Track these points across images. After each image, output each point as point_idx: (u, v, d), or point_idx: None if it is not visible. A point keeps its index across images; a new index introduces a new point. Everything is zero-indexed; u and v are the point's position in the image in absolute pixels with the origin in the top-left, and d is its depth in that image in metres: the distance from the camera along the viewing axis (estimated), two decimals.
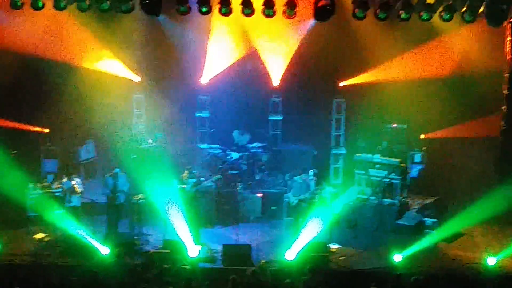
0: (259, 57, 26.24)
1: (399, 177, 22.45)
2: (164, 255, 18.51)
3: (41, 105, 24.75)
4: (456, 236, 21.03)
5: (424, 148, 25.31)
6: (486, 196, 20.65)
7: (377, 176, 22.65)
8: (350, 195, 22.54)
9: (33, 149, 24.72)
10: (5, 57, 22.97)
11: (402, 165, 22.90)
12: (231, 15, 21.56)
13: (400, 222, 21.61)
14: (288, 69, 25.66)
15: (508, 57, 22.00)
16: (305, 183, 21.85)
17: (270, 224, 22.64)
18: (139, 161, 23.42)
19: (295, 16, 21.82)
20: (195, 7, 20.98)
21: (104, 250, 19.10)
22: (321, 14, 21.24)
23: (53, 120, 25.15)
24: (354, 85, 25.54)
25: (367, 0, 20.66)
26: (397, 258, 18.95)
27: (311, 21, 23.60)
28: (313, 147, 26.10)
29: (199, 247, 19.43)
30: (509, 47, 21.88)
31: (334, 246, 20.28)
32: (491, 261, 18.87)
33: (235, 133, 25.67)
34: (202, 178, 22.16)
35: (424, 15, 21.19)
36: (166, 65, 26.04)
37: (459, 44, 23.35)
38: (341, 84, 25.85)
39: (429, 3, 20.78)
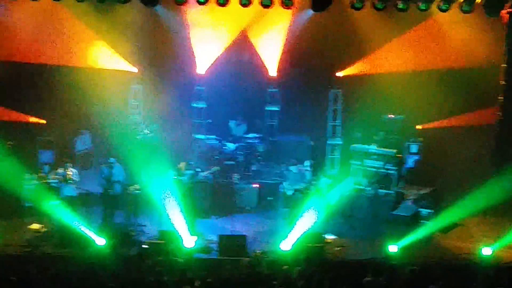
0: (256, 48, 26.28)
1: (395, 168, 22.51)
2: (160, 245, 18.51)
3: (38, 96, 24.75)
4: (451, 227, 21.10)
5: (420, 139, 25.27)
6: (482, 186, 20.68)
7: (373, 167, 22.72)
8: (346, 185, 22.55)
9: (29, 139, 24.70)
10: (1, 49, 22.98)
11: (398, 155, 22.94)
12: (228, 5, 21.56)
13: (396, 212, 21.59)
14: (285, 60, 25.65)
15: (504, 48, 22.00)
16: (301, 173, 21.87)
17: (266, 214, 22.69)
18: (135, 151, 23.37)
19: (292, 6, 21.83)
20: None
21: (100, 240, 19.11)
22: (318, 4, 21.31)
23: (50, 111, 25.12)
24: (351, 76, 25.55)
25: None
26: (392, 248, 19.00)
27: (309, 11, 23.58)
28: (309, 137, 26.05)
29: (195, 237, 19.45)
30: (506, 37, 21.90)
31: (329, 237, 20.31)
32: (487, 251, 18.91)
33: (232, 124, 25.65)
34: (199, 169, 22.19)
35: (422, 5, 21.24)
36: (163, 56, 25.99)
37: (457, 35, 23.31)
38: (338, 74, 25.82)
39: None
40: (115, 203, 21.05)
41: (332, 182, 22.96)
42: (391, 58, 24.54)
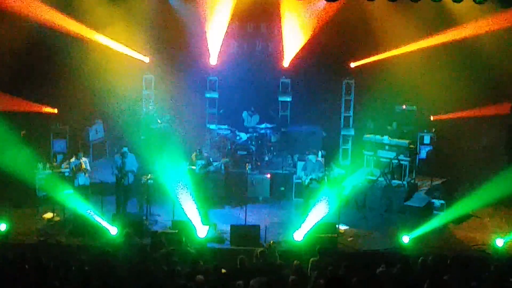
0: (269, 39, 26.29)
1: (408, 159, 22.47)
2: (173, 235, 18.52)
3: (51, 85, 24.78)
4: (464, 218, 21.04)
5: (433, 130, 25.21)
6: (495, 177, 20.64)
7: (386, 158, 22.69)
8: (358, 176, 22.60)
9: (42, 129, 24.78)
10: (13, 37, 23.05)
11: (411, 146, 22.89)
12: None
13: (409, 203, 21.63)
14: (297, 50, 25.58)
15: None
16: (318, 163, 21.86)
17: (279, 205, 22.69)
18: (148, 141, 23.45)
19: None
20: None
21: (113, 230, 19.17)
22: None
23: (63, 101, 25.13)
24: (363, 66, 25.48)
25: None
26: (405, 239, 18.97)
27: (322, 2, 23.55)
28: (322, 128, 26.06)
29: (208, 227, 19.46)
30: None
31: (342, 227, 20.29)
32: (500, 242, 18.88)
33: (245, 114, 25.64)
34: (212, 159, 22.21)
35: None
36: (176, 45, 26.04)
37: (472, 26, 23.21)
38: (352, 65, 25.77)
39: None
40: (128, 192, 21.06)
41: (344, 173, 23.00)
42: (404, 48, 24.43)
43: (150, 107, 26.02)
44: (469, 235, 20.16)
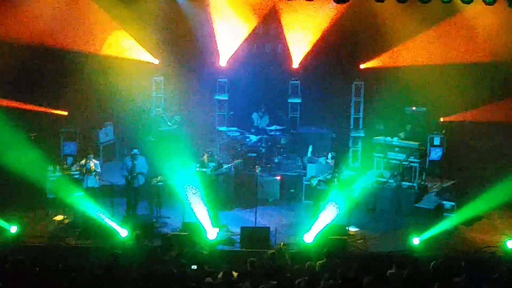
0: (278, 40, 26.31)
1: (418, 160, 22.41)
2: (183, 237, 18.54)
3: (60, 88, 24.80)
4: (475, 220, 20.93)
5: (443, 132, 25.16)
6: (506, 179, 20.56)
7: (396, 159, 22.62)
8: (368, 178, 22.54)
9: (52, 131, 24.78)
10: (23, 39, 23.07)
11: (421, 148, 22.84)
12: None
13: (419, 205, 21.57)
14: (307, 52, 25.58)
15: None
16: (328, 165, 21.84)
17: (289, 206, 22.65)
18: (157, 143, 23.46)
19: None
20: None
21: (123, 232, 19.19)
22: None
23: (73, 103, 25.16)
24: (373, 68, 25.46)
25: None
26: (415, 241, 18.93)
27: (331, 3, 23.52)
28: (331, 130, 26.05)
29: (218, 229, 19.47)
30: None
31: (352, 229, 20.26)
32: (510, 244, 18.80)
33: (255, 116, 25.62)
34: (222, 161, 22.20)
35: None
36: (185, 47, 26.06)
37: (482, 27, 23.17)
38: (362, 66, 25.74)
39: None
40: (138, 194, 21.08)
41: (354, 175, 22.96)
42: (414, 50, 24.43)
43: (159, 109, 26.02)
44: (479, 237, 20.08)
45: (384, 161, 22.93)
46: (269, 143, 24.43)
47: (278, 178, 23.16)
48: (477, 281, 14.71)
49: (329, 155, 22.87)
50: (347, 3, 22.94)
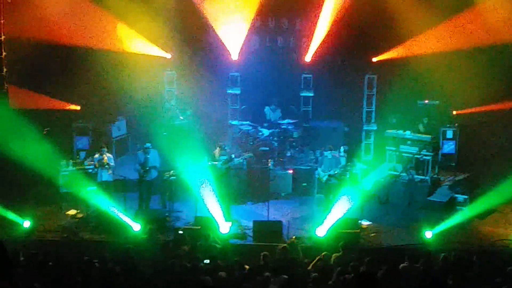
0: (290, 33, 26.31)
1: (430, 154, 22.37)
2: (196, 231, 18.56)
3: (73, 83, 24.84)
4: (487, 213, 20.88)
5: (456, 125, 25.09)
6: None
7: (408, 153, 22.60)
8: (381, 171, 22.55)
9: (65, 126, 24.86)
10: (35, 36, 23.12)
11: (434, 141, 22.79)
12: None
13: (432, 198, 21.57)
14: (319, 45, 25.54)
15: None
16: (335, 158, 21.80)
17: (301, 200, 22.65)
18: (170, 138, 23.49)
19: None
20: None
21: (136, 226, 19.22)
22: None
23: (85, 98, 25.27)
24: (385, 61, 25.38)
25: None
26: (428, 234, 18.90)
27: None
28: (344, 123, 26.02)
29: (230, 223, 19.50)
30: None
31: (365, 223, 20.26)
32: None
33: (267, 109, 25.60)
34: (233, 155, 22.19)
35: None
36: (197, 41, 26.08)
37: (496, 17, 23.06)
38: (374, 59, 25.68)
39: None
40: (151, 189, 21.13)
41: (367, 168, 22.94)
42: (427, 43, 24.31)
43: (172, 103, 26.06)
44: (492, 230, 20.03)
45: (396, 155, 22.91)
46: (282, 137, 24.41)
47: (291, 172, 23.15)
48: (490, 275, 14.67)
49: (342, 149, 22.83)
50: None
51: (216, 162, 21.10)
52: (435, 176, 22.74)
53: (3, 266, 11.92)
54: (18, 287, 13.53)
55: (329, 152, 21.84)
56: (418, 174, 22.23)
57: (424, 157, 22.36)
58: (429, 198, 21.58)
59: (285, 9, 25.88)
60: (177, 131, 24.28)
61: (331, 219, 19.27)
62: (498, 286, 14.06)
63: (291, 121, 24.81)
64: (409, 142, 22.76)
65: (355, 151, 24.56)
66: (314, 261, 15.89)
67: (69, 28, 23.77)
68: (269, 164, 22.77)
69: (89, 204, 20.55)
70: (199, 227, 18.81)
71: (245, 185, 22.70)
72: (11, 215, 19.71)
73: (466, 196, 21.19)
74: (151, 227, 18.62)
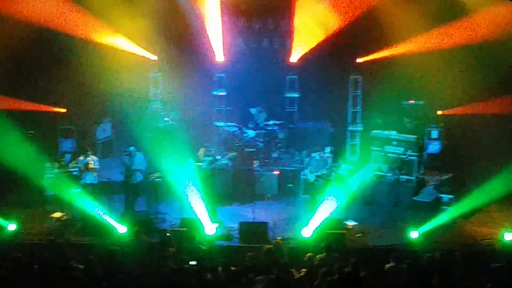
0: (276, 34, 26.32)
1: (416, 154, 22.44)
2: (181, 233, 18.55)
3: (58, 85, 24.78)
4: (473, 212, 20.94)
5: (441, 125, 25.15)
6: (504, 171, 20.57)
7: (393, 153, 22.65)
8: (366, 172, 22.56)
9: (50, 128, 24.80)
10: (18, 37, 23.08)
11: (419, 141, 22.86)
12: None
13: (417, 198, 21.61)
14: (305, 46, 25.56)
15: None
16: (323, 159, 21.83)
17: (287, 201, 22.67)
18: (155, 139, 23.44)
19: None
20: None
21: (121, 228, 19.17)
22: None
23: (70, 100, 25.17)
24: (371, 62, 25.42)
25: None
26: (413, 234, 18.91)
27: None
28: (329, 124, 26.05)
29: (216, 225, 19.47)
30: None
31: (350, 223, 20.28)
32: (509, 236, 18.78)
33: (253, 111, 25.59)
34: (219, 156, 22.19)
35: None
36: (183, 43, 26.03)
37: (480, 20, 23.12)
38: (359, 60, 25.73)
39: None
40: (136, 191, 21.08)
41: (352, 169, 22.98)
42: (412, 43, 24.36)
43: (157, 105, 26.03)
44: (478, 230, 20.12)
45: (382, 155, 22.94)
46: (267, 138, 24.44)
47: (276, 173, 23.16)
48: (475, 274, 14.73)
49: (327, 150, 22.85)
50: None
51: (201, 164, 21.08)
52: (421, 176, 22.78)
53: None
54: None
55: (317, 153, 21.88)
56: (404, 174, 22.25)
57: (410, 157, 22.42)
58: (414, 198, 21.61)
59: (270, 10, 25.89)
60: (162, 132, 24.27)
61: (317, 220, 19.28)
62: (483, 285, 14.12)
63: (277, 122, 24.83)
64: (394, 142, 22.82)
65: (340, 152, 24.57)
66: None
67: (53, 30, 23.68)
68: (255, 165, 22.76)
69: (74, 206, 20.48)
70: (185, 229, 18.79)
71: (231, 187, 22.68)
72: None
73: (451, 196, 21.25)
74: (137, 229, 18.58)
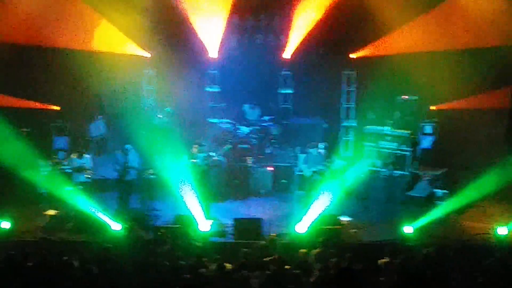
0: (269, 30, 26.31)
1: (409, 149, 22.45)
2: (176, 230, 18.54)
3: (52, 82, 24.77)
4: (467, 207, 20.95)
5: (434, 120, 25.17)
6: (497, 166, 20.60)
7: (387, 148, 22.65)
8: (360, 167, 22.52)
9: (43, 126, 24.78)
10: (12, 36, 23.05)
11: (413, 136, 22.87)
12: None
13: (411, 193, 21.63)
14: (298, 42, 25.56)
15: None
16: (320, 155, 21.85)
17: (281, 197, 22.67)
18: (149, 136, 23.41)
19: None
20: None
21: (116, 225, 19.14)
22: None
23: (64, 98, 25.15)
24: (364, 57, 25.45)
25: None
26: (408, 229, 18.91)
27: None
28: (323, 120, 26.06)
29: (210, 221, 19.44)
30: None
31: (345, 219, 20.26)
32: (502, 231, 18.81)
33: (246, 107, 25.61)
34: (212, 153, 22.17)
35: None
36: (176, 40, 26.02)
37: (473, 14, 23.17)
38: (352, 56, 25.74)
39: None
40: (130, 188, 21.05)
41: (346, 164, 22.96)
42: (405, 39, 24.38)
43: (151, 101, 26.01)
44: (472, 225, 20.15)
45: (375, 150, 22.94)
46: (261, 134, 24.45)
47: (270, 169, 23.16)
48: (469, 269, 14.74)
49: (321, 146, 22.84)
50: None
51: (195, 160, 21.08)
52: (414, 171, 22.80)
53: None
54: None
55: (314, 149, 21.90)
56: (397, 170, 22.26)
57: (403, 152, 22.42)
58: (408, 193, 21.64)
59: (263, 6, 25.88)
60: (156, 130, 24.23)
61: (311, 215, 19.27)
62: (476, 278, 14.15)
63: (270, 118, 24.83)
64: (388, 137, 22.80)
65: (334, 148, 24.58)
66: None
67: (46, 28, 23.64)
68: (249, 162, 22.76)
69: (68, 204, 20.42)
70: (179, 226, 18.78)
71: (225, 183, 22.68)
72: None
73: (445, 191, 21.28)
74: (131, 226, 18.56)
